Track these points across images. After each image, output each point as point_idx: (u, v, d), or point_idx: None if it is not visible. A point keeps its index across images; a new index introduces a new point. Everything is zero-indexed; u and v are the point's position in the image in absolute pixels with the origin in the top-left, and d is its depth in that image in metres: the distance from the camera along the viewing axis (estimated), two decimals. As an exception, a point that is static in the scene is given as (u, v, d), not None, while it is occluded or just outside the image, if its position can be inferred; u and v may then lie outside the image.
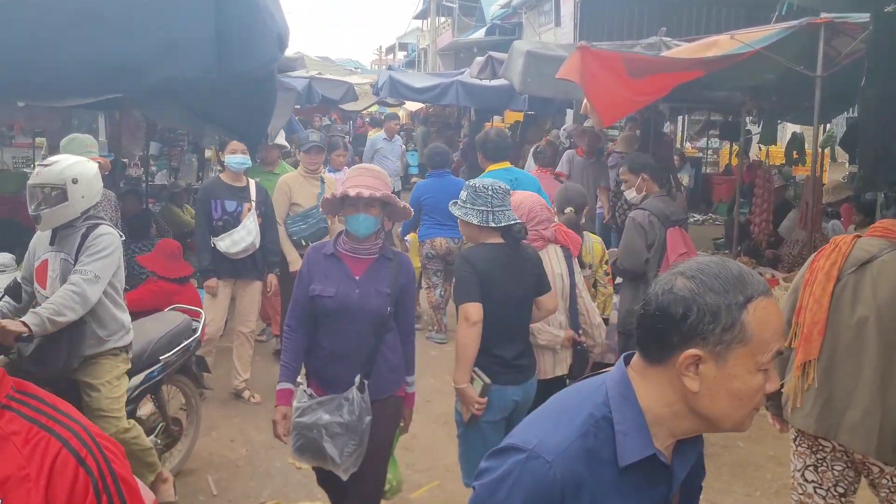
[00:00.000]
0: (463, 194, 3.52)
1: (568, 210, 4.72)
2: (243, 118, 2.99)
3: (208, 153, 11.25)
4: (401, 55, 43.97)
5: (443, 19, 31.94)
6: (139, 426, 3.88)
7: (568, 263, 3.93)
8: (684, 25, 10.92)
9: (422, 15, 32.97)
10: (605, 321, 4.53)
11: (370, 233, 3.22)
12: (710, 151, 19.34)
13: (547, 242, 3.87)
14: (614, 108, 5.62)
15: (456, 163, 13.57)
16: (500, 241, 3.46)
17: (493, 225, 3.40)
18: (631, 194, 4.89)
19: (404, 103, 19.30)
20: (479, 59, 9.12)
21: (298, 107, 13.02)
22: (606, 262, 4.84)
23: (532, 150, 8.09)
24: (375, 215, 3.19)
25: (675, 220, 4.68)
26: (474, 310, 3.35)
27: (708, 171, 17.79)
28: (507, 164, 5.98)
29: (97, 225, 3.70)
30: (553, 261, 3.87)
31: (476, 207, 3.43)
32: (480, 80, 9.61)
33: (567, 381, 3.93)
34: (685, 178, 15.36)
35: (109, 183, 9.46)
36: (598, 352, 4.09)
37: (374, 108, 24.31)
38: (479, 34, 21.95)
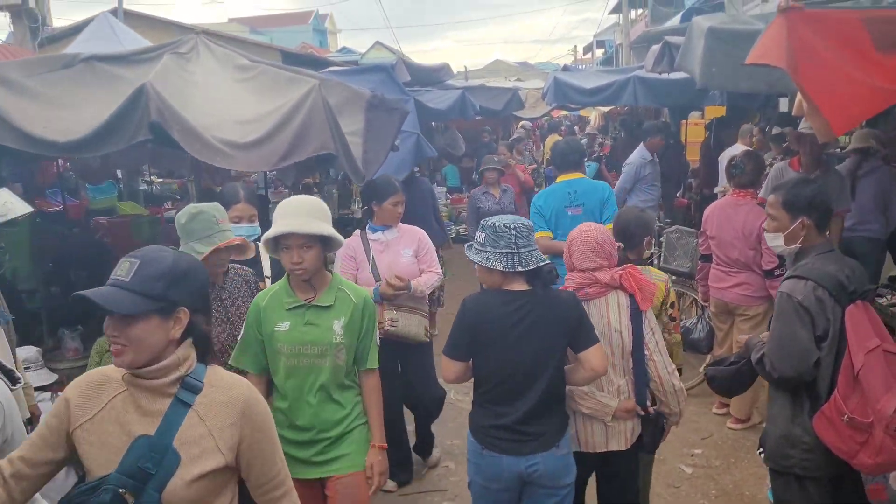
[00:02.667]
0: (480, 236, 3.06)
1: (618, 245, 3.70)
2: None
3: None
4: (599, 53, 41.31)
5: (639, 11, 29.16)
6: None
7: (634, 317, 3.26)
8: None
9: (617, 9, 30.32)
10: (679, 370, 3.70)
11: None
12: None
13: (607, 289, 3.28)
14: (852, 106, 3.22)
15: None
16: (526, 287, 3.03)
17: (521, 269, 2.96)
18: (776, 241, 3.18)
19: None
20: (655, 48, 6.83)
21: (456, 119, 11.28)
22: (672, 306, 3.86)
23: (726, 163, 5.68)
24: None
25: (854, 291, 2.96)
26: (450, 369, 3.14)
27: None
28: (576, 175, 5.43)
29: None
30: (611, 312, 3.27)
31: (498, 251, 2.99)
32: (659, 73, 7.29)
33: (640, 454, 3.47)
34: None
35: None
36: (675, 421, 3.46)
37: (563, 112, 22.15)
38: (675, 21, 19.03)
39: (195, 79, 5.05)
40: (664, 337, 4.08)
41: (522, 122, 17.36)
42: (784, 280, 3.10)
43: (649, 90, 9.37)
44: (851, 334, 2.89)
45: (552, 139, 16.09)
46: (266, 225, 3.40)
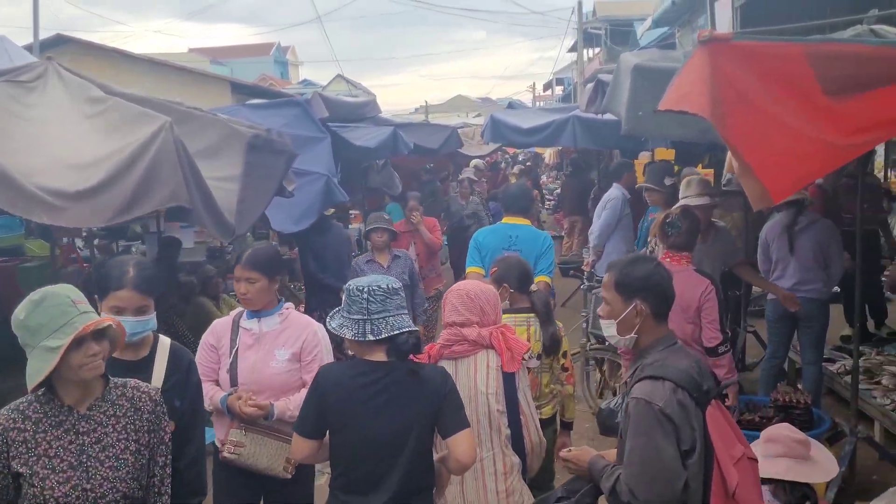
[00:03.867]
0: (343, 300, 2.72)
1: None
2: None
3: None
4: (559, 90, 41.21)
5: (596, 50, 28.99)
6: None
7: (507, 379, 3.04)
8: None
9: (575, 47, 30.15)
10: (569, 425, 3.88)
11: None
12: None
13: (475, 347, 3.07)
14: (794, 166, 2.47)
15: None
16: (384, 358, 2.66)
17: (372, 337, 2.61)
18: (610, 330, 2.60)
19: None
20: (589, 87, 6.12)
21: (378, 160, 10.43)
22: (564, 356, 3.80)
23: (660, 221, 4.93)
24: None
25: (708, 390, 2.44)
26: (300, 447, 2.72)
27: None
28: (521, 220, 5.20)
29: None
30: (479, 374, 3.04)
31: (351, 317, 2.66)
32: (594, 114, 6.57)
33: None
34: (897, 225, 11.14)
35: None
36: (532, 474, 3.32)
37: (516, 150, 21.53)
38: (627, 60, 18.59)
39: (30, 113, 4.18)
40: (556, 388, 3.86)
41: (475, 161, 16.54)
42: (634, 383, 2.45)
43: (588, 131, 8.63)
44: (718, 443, 2.37)
45: (514, 178, 15.42)
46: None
